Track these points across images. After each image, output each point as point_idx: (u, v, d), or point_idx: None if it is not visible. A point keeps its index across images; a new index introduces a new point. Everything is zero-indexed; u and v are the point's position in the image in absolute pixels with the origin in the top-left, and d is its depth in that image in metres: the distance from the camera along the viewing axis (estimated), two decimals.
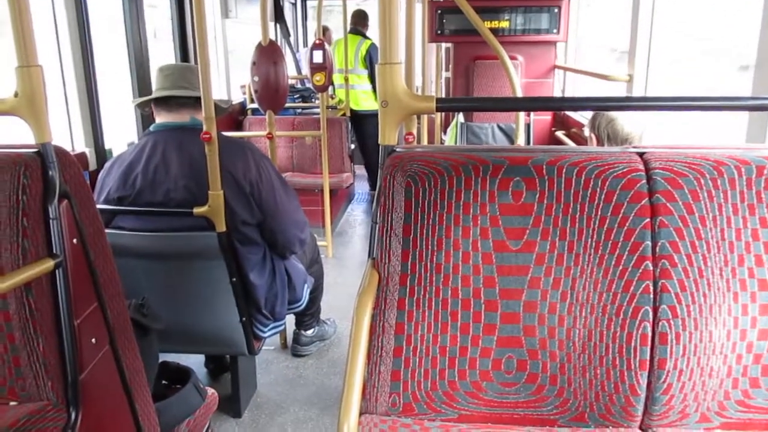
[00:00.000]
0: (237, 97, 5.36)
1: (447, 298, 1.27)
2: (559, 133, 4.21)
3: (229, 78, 5.14)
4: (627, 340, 1.23)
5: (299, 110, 5.50)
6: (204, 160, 2.06)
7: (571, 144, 3.94)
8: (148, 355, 1.79)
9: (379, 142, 1.30)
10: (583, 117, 3.95)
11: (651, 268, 1.22)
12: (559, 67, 4.45)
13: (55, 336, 1.36)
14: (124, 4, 3.38)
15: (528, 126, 4.29)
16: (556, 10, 4.14)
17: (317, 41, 3.97)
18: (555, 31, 4.21)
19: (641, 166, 1.24)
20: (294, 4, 7.74)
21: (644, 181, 1.23)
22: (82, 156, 2.92)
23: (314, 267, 2.85)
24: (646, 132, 2.02)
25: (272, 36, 3.93)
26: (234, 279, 2.17)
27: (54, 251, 1.35)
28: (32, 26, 1.31)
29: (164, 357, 2.10)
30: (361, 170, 5.93)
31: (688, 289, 1.21)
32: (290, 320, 2.93)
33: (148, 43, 3.54)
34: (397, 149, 1.32)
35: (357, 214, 5.63)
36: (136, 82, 3.46)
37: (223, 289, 2.20)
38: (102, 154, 3.04)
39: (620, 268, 1.23)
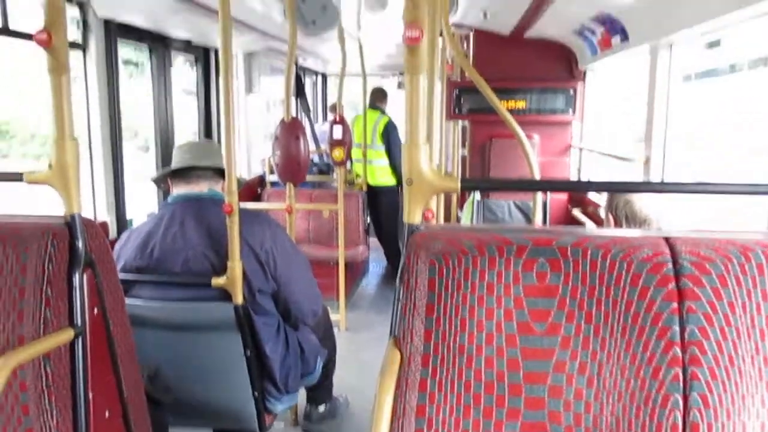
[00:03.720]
0: (256, 170, 5.47)
1: (470, 380, 1.24)
2: (576, 212, 4.22)
3: (251, 152, 5.26)
4: (657, 431, 1.18)
5: (317, 183, 5.58)
6: (222, 230, 2.08)
7: (589, 223, 3.95)
8: (158, 429, 1.75)
9: (404, 220, 1.31)
10: (600, 196, 3.97)
11: (680, 354, 1.19)
12: (576, 147, 4.52)
13: (70, 409, 1.34)
14: (153, 88, 3.53)
15: (544, 204, 4.32)
16: (571, 92, 4.25)
17: (337, 118, 4.08)
18: (570, 111, 4.31)
19: (667, 250, 1.23)
20: (315, 82, 8.01)
21: (670, 265, 1.21)
22: (103, 225, 2.96)
23: (327, 340, 2.81)
24: (667, 213, 2.02)
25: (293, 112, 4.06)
26: (249, 352, 2.14)
27: (75, 321, 1.35)
28: (71, 102, 1.36)
29: (173, 431, 2.05)
30: (375, 243, 5.93)
31: (719, 377, 1.18)
32: (301, 395, 2.86)
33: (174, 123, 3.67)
34: (421, 227, 1.32)
35: (371, 288, 5.59)
36: (160, 159, 3.57)
37: (237, 361, 2.17)
38: (123, 223, 3.09)
39: (648, 353, 1.20)
